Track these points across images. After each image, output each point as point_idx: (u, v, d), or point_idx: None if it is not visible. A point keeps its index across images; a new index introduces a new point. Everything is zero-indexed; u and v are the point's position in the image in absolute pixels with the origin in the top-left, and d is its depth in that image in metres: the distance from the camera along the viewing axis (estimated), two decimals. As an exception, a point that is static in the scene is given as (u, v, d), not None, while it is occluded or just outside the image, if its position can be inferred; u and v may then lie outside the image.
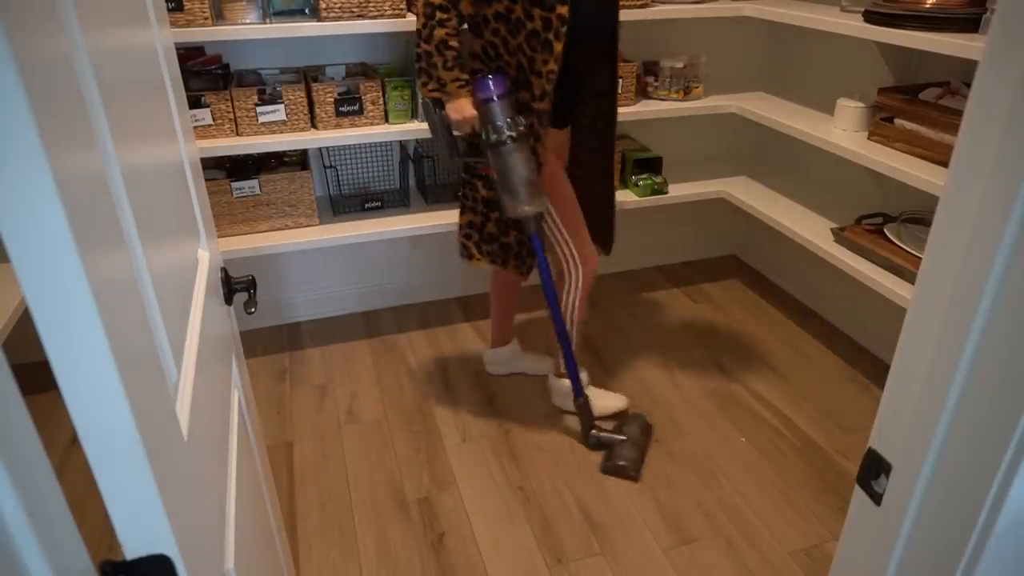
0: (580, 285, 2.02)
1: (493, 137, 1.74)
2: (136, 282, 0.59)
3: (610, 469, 2.02)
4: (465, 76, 1.75)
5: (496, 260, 2.05)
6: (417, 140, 2.63)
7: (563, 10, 1.65)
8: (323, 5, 2.06)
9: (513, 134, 1.74)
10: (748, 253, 3.23)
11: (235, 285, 1.14)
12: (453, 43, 1.72)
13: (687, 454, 2.11)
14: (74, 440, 2.10)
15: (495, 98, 1.72)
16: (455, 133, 1.86)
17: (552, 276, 1.95)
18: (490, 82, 1.72)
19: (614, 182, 2.12)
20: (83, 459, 1.92)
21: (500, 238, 2.01)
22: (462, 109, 1.77)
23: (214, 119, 2.13)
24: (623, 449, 2.04)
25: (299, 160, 2.44)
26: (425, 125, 2.29)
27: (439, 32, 1.72)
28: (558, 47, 1.68)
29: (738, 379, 2.44)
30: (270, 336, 2.70)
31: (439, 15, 1.71)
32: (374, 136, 2.25)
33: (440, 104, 1.82)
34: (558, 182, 1.94)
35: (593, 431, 2.08)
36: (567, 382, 2.15)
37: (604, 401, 2.20)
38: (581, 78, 1.90)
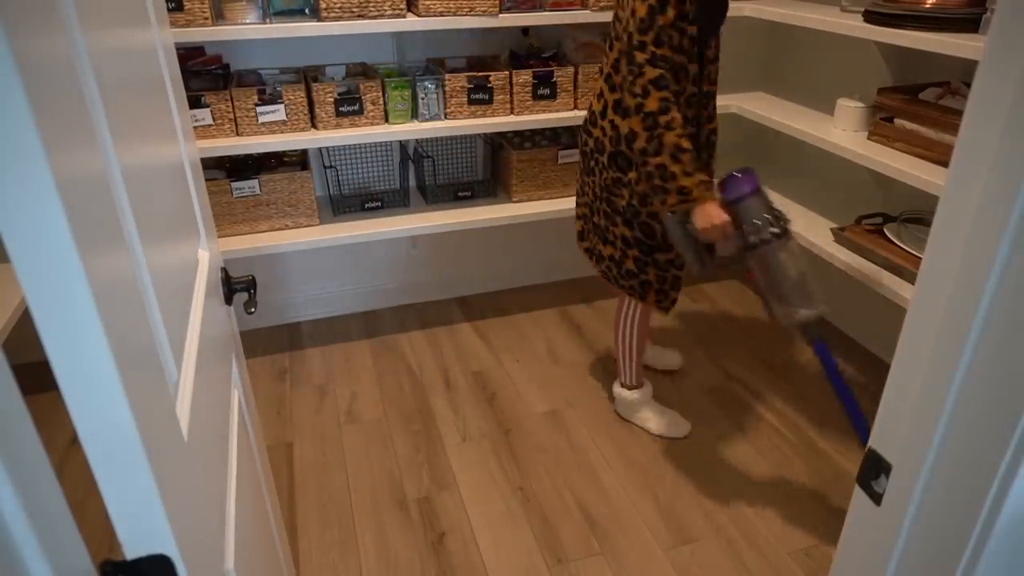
0: (642, 305, 2.00)
1: (752, 239, 1.55)
2: (136, 282, 0.59)
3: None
4: (707, 177, 1.57)
5: (634, 293, 1.93)
6: (417, 140, 2.63)
7: (693, 29, 1.56)
8: (323, 5, 2.06)
9: (776, 230, 1.54)
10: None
11: (235, 285, 1.14)
12: (686, 144, 1.54)
13: (687, 454, 2.11)
14: (74, 440, 2.10)
15: (737, 200, 1.55)
16: (703, 240, 1.64)
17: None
18: (739, 178, 1.54)
19: None
20: (83, 459, 1.92)
21: (639, 275, 1.89)
22: (711, 216, 1.56)
23: (214, 119, 2.13)
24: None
25: (299, 160, 2.44)
26: (425, 125, 2.29)
27: (669, 137, 1.53)
28: (693, 68, 1.65)
29: (738, 379, 2.44)
30: (270, 336, 2.70)
31: (662, 119, 1.53)
32: (374, 136, 2.25)
33: (685, 216, 1.62)
34: None
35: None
36: (629, 392, 2.17)
37: (660, 421, 2.18)
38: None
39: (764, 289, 1.58)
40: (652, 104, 1.53)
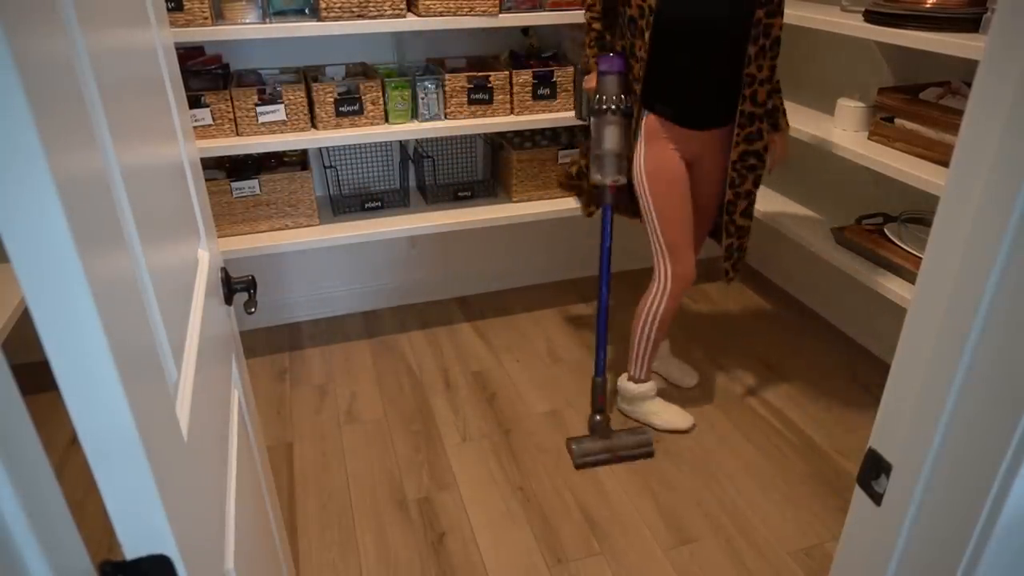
0: (664, 296, 2.02)
1: (595, 106, 1.96)
2: (136, 282, 0.59)
3: (571, 450, 2.10)
4: (595, 52, 1.99)
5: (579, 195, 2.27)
6: (417, 140, 2.63)
7: (652, 0, 1.76)
8: (323, 5, 2.06)
9: (611, 107, 1.92)
10: (748, 253, 3.23)
11: (235, 285, 1.14)
12: (596, 25, 1.98)
13: (687, 454, 2.11)
14: (74, 440, 2.10)
15: (604, 73, 1.93)
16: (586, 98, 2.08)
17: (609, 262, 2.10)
18: (605, 58, 1.92)
19: (737, 188, 1.97)
20: (83, 459, 1.92)
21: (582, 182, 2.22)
22: (589, 79, 2.01)
23: (214, 119, 2.13)
24: (592, 443, 2.09)
25: (299, 160, 2.44)
26: (425, 125, 2.30)
27: (586, 15, 2.00)
28: (648, 35, 1.79)
29: (738, 379, 2.44)
30: (270, 336, 2.70)
31: (587, 1, 1.99)
32: (374, 136, 2.25)
33: (584, 72, 2.06)
34: (668, 191, 1.92)
35: (598, 416, 2.12)
36: (636, 386, 2.18)
37: (668, 414, 2.19)
38: (707, 78, 1.85)
39: (590, 149, 2.04)
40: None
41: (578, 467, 2.06)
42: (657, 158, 1.90)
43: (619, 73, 1.92)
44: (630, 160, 1.97)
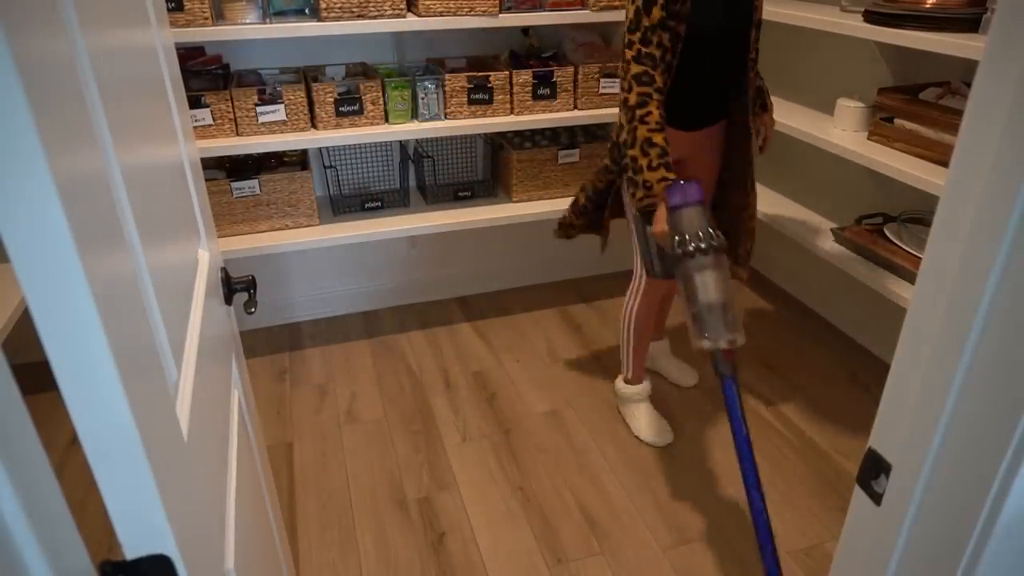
0: (639, 295, 2.00)
1: (678, 249, 1.49)
2: (136, 282, 0.59)
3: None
4: (672, 176, 1.54)
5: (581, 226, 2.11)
6: (417, 140, 2.63)
7: (682, 27, 1.58)
8: (323, 5, 2.06)
9: (700, 246, 1.47)
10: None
11: (235, 285, 1.14)
12: (657, 140, 1.54)
13: (687, 454, 2.11)
14: (74, 440, 2.10)
15: (676, 208, 1.51)
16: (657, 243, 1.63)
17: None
18: (679, 186, 1.50)
19: (748, 193, 1.95)
20: (83, 459, 1.92)
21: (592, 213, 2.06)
22: (659, 218, 1.54)
23: (214, 119, 2.13)
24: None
25: (299, 160, 2.44)
26: (425, 125, 2.29)
27: (642, 131, 1.55)
28: (674, 63, 1.63)
29: (738, 379, 2.44)
30: (270, 336, 2.70)
31: (639, 112, 1.56)
32: (374, 136, 2.25)
33: (648, 216, 1.60)
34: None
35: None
36: (625, 386, 2.19)
37: (646, 423, 2.18)
38: (711, 81, 1.76)
39: (685, 304, 1.53)
40: (633, 98, 1.58)
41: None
42: (695, 166, 1.88)
43: (699, 202, 1.49)
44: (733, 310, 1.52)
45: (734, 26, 1.70)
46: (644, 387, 2.19)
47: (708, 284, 1.48)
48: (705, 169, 1.98)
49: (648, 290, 1.99)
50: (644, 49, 1.57)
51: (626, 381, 2.19)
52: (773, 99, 2.63)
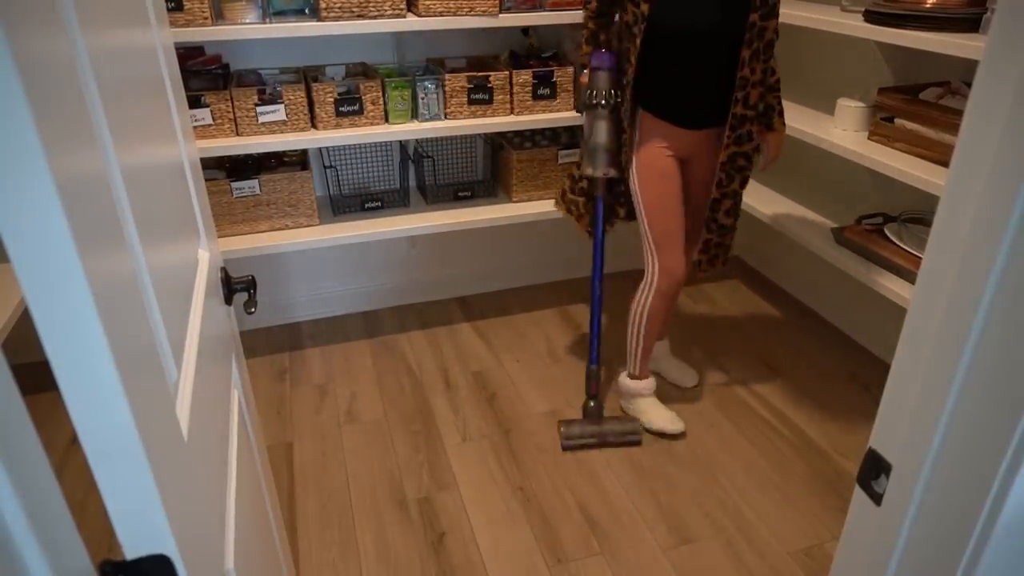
0: (652, 291, 2.04)
1: (587, 100, 1.98)
2: (136, 282, 0.59)
3: (560, 432, 2.14)
4: (589, 49, 1.99)
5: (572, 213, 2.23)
6: (417, 140, 2.63)
7: (644, 9, 1.77)
8: (323, 5, 2.06)
9: (602, 102, 1.95)
10: (748, 253, 3.23)
11: (235, 285, 1.14)
12: (590, 24, 1.98)
13: (687, 454, 2.11)
14: (74, 440, 2.10)
15: (595, 69, 1.96)
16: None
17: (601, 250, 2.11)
18: (596, 55, 1.95)
19: (724, 188, 1.97)
20: (83, 459, 1.92)
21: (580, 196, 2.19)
22: (583, 75, 2.03)
23: (214, 119, 2.13)
24: (581, 427, 2.14)
25: (299, 160, 2.44)
26: (425, 125, 2.30)
27: (583, 14, 2.01)
28: (638, 42, 1.81)
29: (738, 379, 2.44)
30: (270, 336, 2.70)
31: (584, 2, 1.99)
32: (374, 136, 2.25)
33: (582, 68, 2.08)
34: (657, 185, 1.95)
35: (591, 402, 2.16)
36: (633, 382, 2.20)
37: (656, 413, 2.19)
38: (700, 81, 1.86)
39: (581, 142, 2.07)
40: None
41: (565, 449, 2.10)
42: (649, 154, 1.93)
43: (609, 69, 1.94)
44: (619, 155, 2.00)
45: (713, 32, 1.78)
46: (651, 382, 2.20)
47: (600, 129, 1.98)
48: (703, 168, 2.00)
49: (661, 287, 2.02)
50: None
51: (632, 377, 2.20)
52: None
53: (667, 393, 2.37)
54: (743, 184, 1.98)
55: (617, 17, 1.96)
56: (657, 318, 2.08)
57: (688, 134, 1.92)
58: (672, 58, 1.83)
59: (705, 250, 2.07)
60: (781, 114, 2.00)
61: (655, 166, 1.93)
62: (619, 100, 1.97)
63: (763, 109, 1.94)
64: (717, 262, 2.10)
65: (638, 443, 2.13)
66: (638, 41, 1.81)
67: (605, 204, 2.10)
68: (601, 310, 2.15)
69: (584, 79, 2.01)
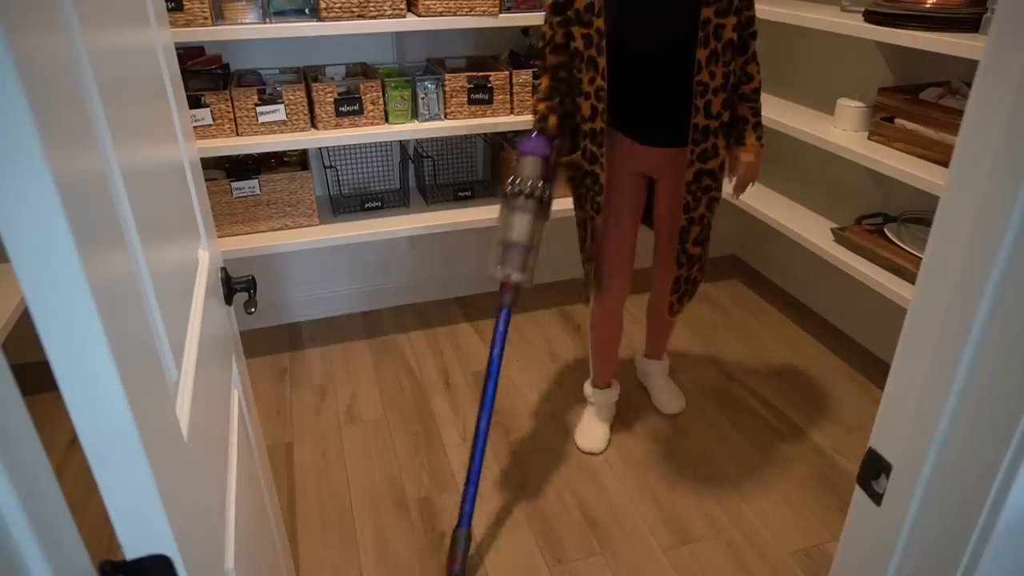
0: (594, 302, 1.99)
1: (506, 188, 1.72)
2: (136, 282, 0.59)
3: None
4: (545, 106, 1.75)
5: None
6: (417, 140, 2.63)
7: (600, 23, 1.59)
8: (323, 5, 2.06)
9: (515, 190, 1.69)
10: (748, 253, 3.23)
11: (235, 285, 1.14)
12: (539, 107, 1.75)
13: (687, 454, 2.11)
14: (74, 440, 2.10)
15: (522, 154, 1.74)
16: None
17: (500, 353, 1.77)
18: (526, 139, 1.74)
19: (691, 213, 1.78)
20: (83, 459, 1.92)
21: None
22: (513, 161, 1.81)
23: (214, 119, 2.13)
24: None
25: (299, 160, 2.44)
26: (425, 125, 2.30)
27: (541, 55, 1.77)
28: (601, 62, 1.62)
29: (738, 379, 2.44)
30: (270, 336, 2.70)
31: (543, 32, 1.75)
32: (374, 136, 2.25)
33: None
34: (615, 197, 1.82)
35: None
36: (587, 386, 2.20)
37: (584, 428, 2.14)
38: (661, 92, 1.70)
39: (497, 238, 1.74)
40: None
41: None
42: (614, 167, 1.80)
43: (542, 157, 1.71)
44: (530, 258, 1.72)
45: (663, 34, 1.61)
46: (602, 395, 2.15)
47: (512, 223, 1.69)
48: (674, 194, 1.85)
49: (601, 299, 1.96)
50: (546, 29, 1.72)
51: (592, 383, 2.19)
52: (776, 98, 2.63)
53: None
54: (710, 208, 1.79)
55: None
56: (599, 329, 2.03)
57: (651, 152, 1.76)
58: (633, 72, 1.66)
59: (675, 288, 1.90)
60: (757, 128, 1.75)
61: (616, 181, 1.81)
62: (547, 194, 1.71)
63: (730, 119, 1.72)
64: (686, 299, 1.94)
65: None
66: (602, 64, 1.62)
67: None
68: (484, 450, 1.73)
69: (510, 166, 1.77)
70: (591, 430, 2.14)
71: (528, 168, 1.70)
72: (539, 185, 1.69)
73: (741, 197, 2.61)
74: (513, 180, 1.71)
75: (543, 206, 1.71)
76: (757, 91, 1.73)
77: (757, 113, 1.75)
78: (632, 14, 1.60)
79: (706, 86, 1.62)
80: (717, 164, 1.73)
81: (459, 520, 1.71)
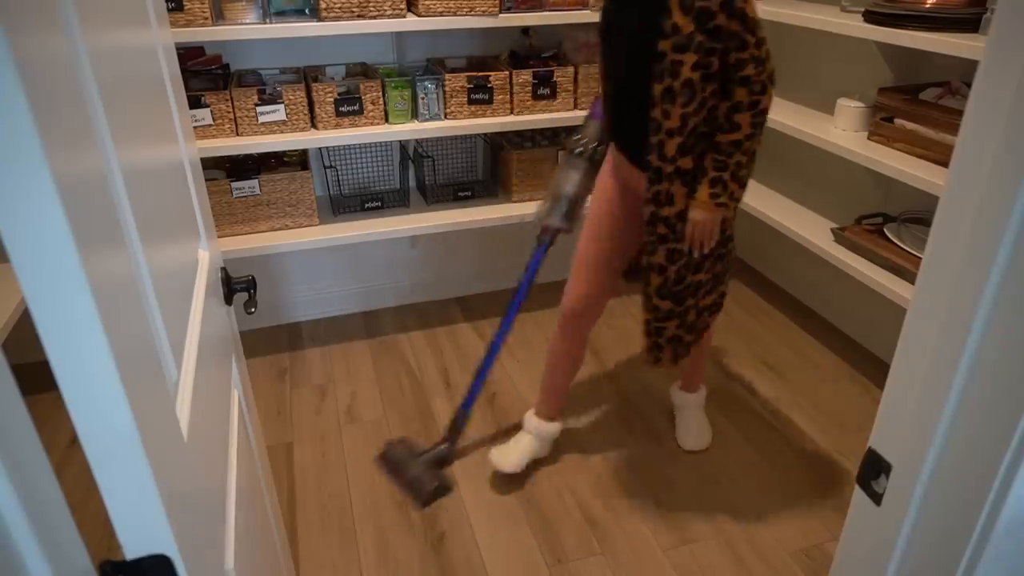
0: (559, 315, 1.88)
1: (569, 146, 1.91)
2: (136, 282, 0.59)
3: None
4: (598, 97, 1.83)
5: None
6: (417, 140, 2.63)
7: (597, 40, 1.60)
8: (323, 5, 2.06)
9: (578, 149, 1.87)
10: (748, 253, 3.23)
11: (235, 285, 1.14)
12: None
13: (687, 454, 2.11)
14: (74, 440, 2.10)
15: (589, 116, 1.89)
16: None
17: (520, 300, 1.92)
18: (595, 102, 1.87)
19: (649, 256, 1.62)
20: (83, 459, 1.92)
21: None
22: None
23: (214, 119, 2.13)
24: (401, 452, 1.96)
25: (299, 160, 2.44)
26: (425, 125, 2.30)
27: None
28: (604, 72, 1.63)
29: (738, 379, 2.44)
30: (270, 336, 2.70)
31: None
32: (374, 136, 2.25)
33: None
34: (594, 205, 1.77)
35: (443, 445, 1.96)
36: (527, 413, 2.02)
37: (506, 449, 1.99)
38: (617, 100, 1.63)
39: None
40: None
41: (377, 459, 1.91)
42: (603, 169, 1.78)
43: (594, 117, 1.86)
44: (573, 211, 1.86)
45: (627, 67, 1.53)
46: (540, 423, 1.97)
47: (570, 179, 1.86)
48: (636, 205, 1.70)
49: (559, 321, 1.86)
50: None
51: (535, 410, 2.00)
52: (775, 99, 2.61)
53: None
54: (671, 259, 1.59)
55: None
56: (554, 350, 1.90)
57: (625, 163, 1.67)
58: (606, 80, 1.63)
59: (647, 332, 1.71)
60: (716, 184, 1.51)
61: (599, 184, 1.77)
62: (599, 153, 1.83)
63: (688, 168, 1.51)
64: (665, 354, 1.72)
65: (420, 503, 1.91)
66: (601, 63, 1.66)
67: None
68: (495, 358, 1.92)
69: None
70: (513, 450, 1.97)
71: (589, 129, 1.86)
72: (592, 147, 1.85)
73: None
74: (577, 139, 1.87)
75: (593, 164, 1.86)
76: (736, 144, 1.49)
77: (723, 167, 1.51)
78: (610, 35, 1.58)
79: (659, 124, 1.46)
80: (673, 212, 1.54)
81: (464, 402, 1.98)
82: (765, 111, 1.48)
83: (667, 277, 1.61)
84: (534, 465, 2.06)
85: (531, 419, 2.00)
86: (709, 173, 1.51)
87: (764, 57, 1.44)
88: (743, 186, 1.55)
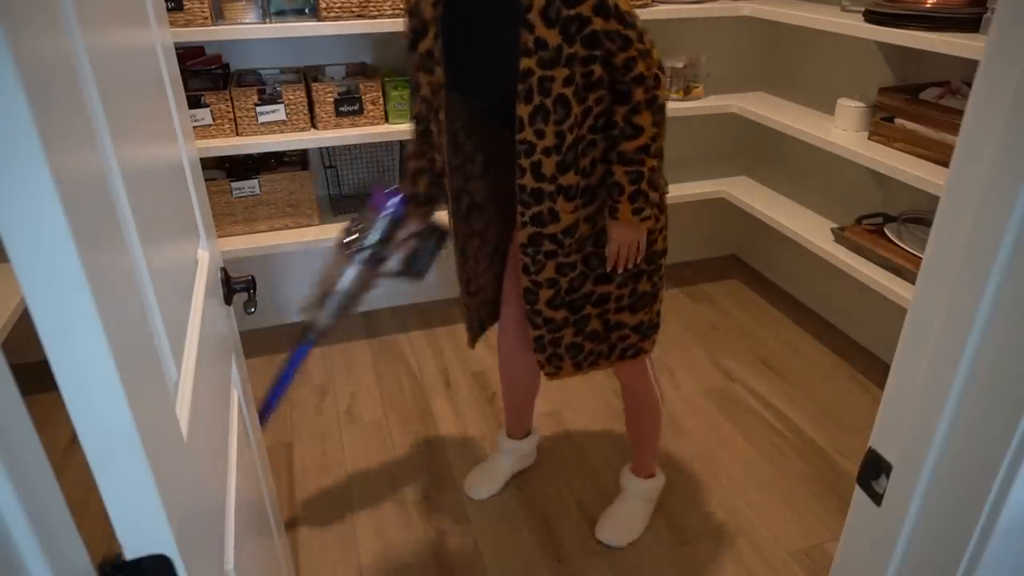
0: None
1: (346, 238, 1.64)
2: (136, 282, 0.59)
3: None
4: (406, 183, 1.64)
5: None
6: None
7: (440, 73, 1.40)
8: (323, 5, 2.06)
9: (355, 246, 1.61)
10: (748, 253, 3.23)
11: (235, 285, 1.14)
12: (409, 160, 1.63)
13: (687, 454, 2.11)
14: (74, 440, 2.10)
15: (375, 207, 1.63)
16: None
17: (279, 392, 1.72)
18: (378, 194, 1.63)
19: (532, 276, 1.49)
20: (83, 459, 1.92)
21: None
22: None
23: (214, 119, 2.13)
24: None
25: (299, 160, 2.44)
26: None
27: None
28: (441, 114, 1.44)
29: (738, 379, 2.44)
30: (270, 336, 2.70)
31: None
32: (374, 136, 2.25)
33: None
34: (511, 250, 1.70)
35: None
36: (519, 444, 1.98)
37: (479, 470, 1.99)
38: (486, 143, 1.53)
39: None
40: None
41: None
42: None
43: (395, 217, 1.63)
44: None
45: (486, 92, 1.42)
46: (511, 442, 1.97)
47: (345, 279, 1.61)
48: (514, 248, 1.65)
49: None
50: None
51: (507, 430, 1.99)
52: (776, 98, 2.63)
53: (667, 394, 2.36)
54: (562, 272, 1.47)
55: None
56: (504, 378, 1.87)
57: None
58: (460, 123, 1.48)
59: (539, 347, 1.57)
60: (636, 198, 1.39)
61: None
62: (376, 254, 1.61)
63: (607, 185, 1.42)
64: (563, 363, 1.58)
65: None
66: (441, 116, 1.46)
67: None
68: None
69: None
70: (484, 474, 1.98)
71: (368, 220, 1.61)
72: (369, 242, 1.60)
73: (735, 192, 2.59)
74: (354, 237, 1.61)
75: (362, 261, 1.62)
76: (644, 149, 1.36)
77: (638, 179, 1.38)
78: (458, 62, 1.40)
79: (532, 146, 1.35)
80: (559, 229, 1.42)
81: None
82: (663, 106, 1.37)
83: (559, 288, 1.50)
84: (534, 466, 2.06)
85: (504, 440, 1.98)
86: (627, 189, 1.39)
87: (649, 48, 1.32)
88: (658, 189, 1.43)
